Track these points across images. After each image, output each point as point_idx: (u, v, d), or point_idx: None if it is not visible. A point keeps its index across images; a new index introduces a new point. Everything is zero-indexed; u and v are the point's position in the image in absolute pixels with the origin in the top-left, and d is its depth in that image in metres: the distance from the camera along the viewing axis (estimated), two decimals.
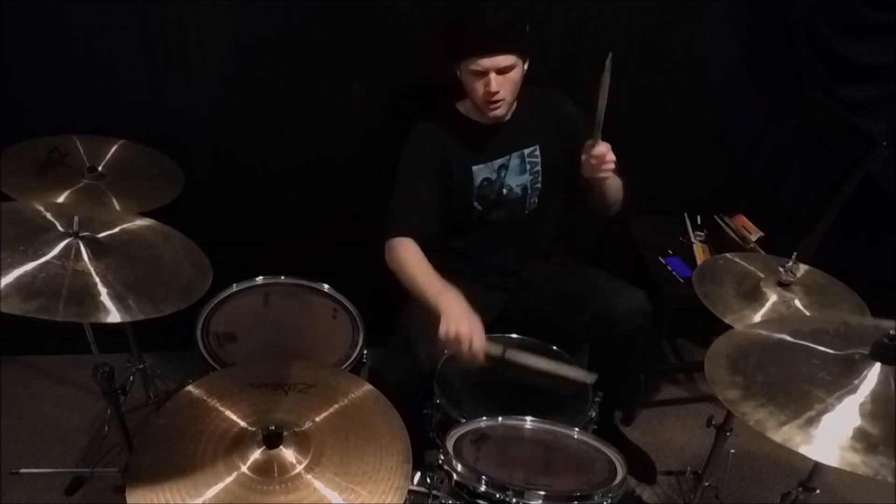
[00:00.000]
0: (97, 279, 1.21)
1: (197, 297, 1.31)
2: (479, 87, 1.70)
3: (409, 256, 1.68)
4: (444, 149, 1.83)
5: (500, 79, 1.68)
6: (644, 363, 2.15)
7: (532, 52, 1.74)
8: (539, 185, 1.90)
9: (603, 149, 1.64)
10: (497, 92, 1.69)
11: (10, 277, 1.14)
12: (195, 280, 1.34)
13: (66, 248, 1.24)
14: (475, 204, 1.88)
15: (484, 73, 1.67)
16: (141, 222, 1.44)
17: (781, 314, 1.50)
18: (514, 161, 1.86)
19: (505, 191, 1.88)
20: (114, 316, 1.17)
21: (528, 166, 1.88)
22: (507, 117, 1.84)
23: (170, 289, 1.28)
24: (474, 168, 1.84)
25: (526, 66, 1.75)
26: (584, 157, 1.68)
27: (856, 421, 1.02)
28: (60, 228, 1.29)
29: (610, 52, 1.49)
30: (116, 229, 1.38)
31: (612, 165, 1.67)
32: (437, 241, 1.99)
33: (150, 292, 1.25)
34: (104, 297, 1.19)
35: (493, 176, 1.87)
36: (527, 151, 1.87)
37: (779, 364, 1.15)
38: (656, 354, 2.46)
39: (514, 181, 1.88)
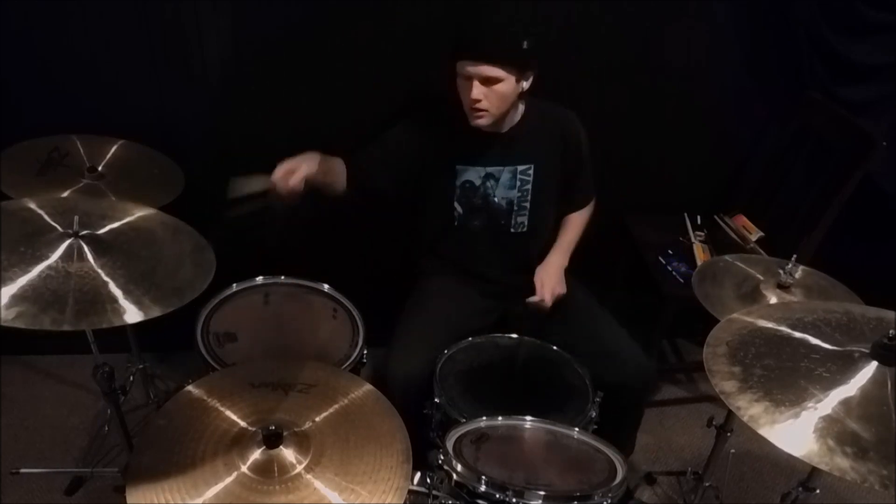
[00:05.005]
0: (107, 279, 1.20)
1: (190, 298, 1.28)
2: (465, 93, 1.69)
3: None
4: (433, 141, 1.83)
5: (485, 89, 1.65)
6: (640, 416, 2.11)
7: (533, 69, 1.70)
8: (527, 204, 1.89)
9: (547, 300, 1.84)
10: (479, 101, 1.66)
11: (13, 288, 1.12)
12: (193, 279, 1.31)
13: (68, 250, 1.23)
14: (456, 205, 1.88)
15: (470, 79, 1.65)
16: (146, 212, 1.43)
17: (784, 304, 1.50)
18: (505, 175, 1.85)
19: (489, 200, 1.87)
20: (131, 315, 1.15)
21: (518, 182, 1.86)
22: (503, 129, 1.82)
23: (160, 289, 1.25)
24: (458, 167, 1.84)
25: (526, 85, 1.72)
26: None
27: (849, 424, 1.01)
28: (60, 229, 1.28)
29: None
30: (118, 223, 1.37)
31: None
32: (427, 244, 2.00)
33: (139, 295, 1.22)
34: (121, 300, 1.18)
35: (478, 181, 1.85)
36: (520, 168, 1.85)
37: (778, 356, 1.14)
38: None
39: (501, 193, 1.87)
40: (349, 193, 1.84)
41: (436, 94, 1.81)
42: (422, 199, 1.93)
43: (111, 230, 1.34)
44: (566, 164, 1.90)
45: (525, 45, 1.65)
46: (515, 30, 1.67)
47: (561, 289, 1.87)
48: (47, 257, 1.21)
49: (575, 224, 2.03)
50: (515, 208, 1.89)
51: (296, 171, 1.62)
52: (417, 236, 2.04)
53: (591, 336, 1.87)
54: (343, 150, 2.11)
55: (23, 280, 1.15)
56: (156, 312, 1.19)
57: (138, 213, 1.43)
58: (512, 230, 1.91)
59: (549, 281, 1.86)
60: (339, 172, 1.82)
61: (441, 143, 1.83)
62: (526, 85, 1.72)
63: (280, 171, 1.62)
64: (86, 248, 1.24)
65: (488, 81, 1.65)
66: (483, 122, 1.72)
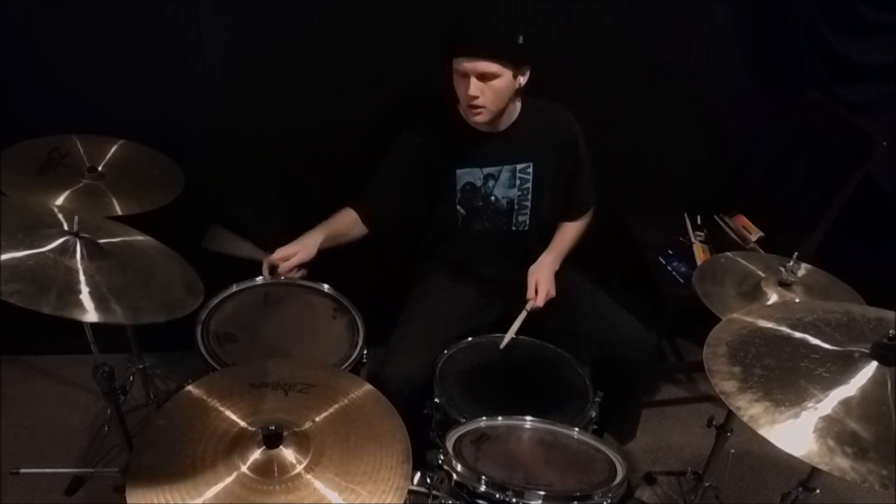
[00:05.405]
0: (83, 277, 1.22)
1: (180, 315, 1.29)
2: (462, 90, 1.68)
3: (334, 215, 1.87)
4: (431, 147, 1.82)
5: (482, 85, 1.64)
6: (644, 394, 2.12)
7: (529, 64, 1.71)
8: (528, 203, 1.89)
9: (540, 303, 1.84)
10: (476, 97, 1.66)
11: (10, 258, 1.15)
12: (183, 298, 1.34)
13: (63, 245, 1.25)
14: (458, 208, 1.88)
15: (466, 76, 1.65)
16: (144, 238, 1.47)
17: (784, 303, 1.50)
18: (505, 174, 1.85)
19: (491, 200, 1.87)
20: (91, 315, 1.16)
21: (517, 181, 1.86)
22: (500, 128, 1.82)
23: (153, 300, 1.28)
24: (458, 171, 1.84)
25: (522, 80, 1.72)
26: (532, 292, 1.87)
27: (849, 424, 1.00)
28: (64, 227, 1.30)
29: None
30: (118, 239, 1.39)
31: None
32: (427, 246, 2.00)
33: (134, 298, 1.24)
34: (84, 294, 1.19)
35: (478, 183, 1.85)
36: (519, 167, 1.85)
37: (778, 356, 1.14)
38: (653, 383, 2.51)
39: (501, 193, 1.87)
40: (372, 235, 1.89)
41: (431, 96, 1.81)
42: (423, 204, 1.93)
43: (108, 242, 1.35)
44: (565, 162, 1.90)
45: (520, 39, 1.66)
46: (510, 24, 1.68)
47: (553, 292, 1.88)
48: (42, 247, 1.23)
49: (570, 232, 2.03)
50: (516, 207, 1.88)
51: (291, 259, 1.72)
52: (418, 237, 2.04)
53: (590, 312, 1.90)
54: (343, 154, 2.13)
55: (16, 256, 1.17)
56: (143, 320, 1.21)
57: (135, 235, 1.47)
58: (514, 229, 1.91)
59: (543, 285, 1.87)
60: (350, 225, 1.85)
61: (439, 149, 1.83)
62: (523, 80, 1.72)
63: (277, 257, 1.72)
64: (80, 246, 1.26)
65: (485, 77, 1.64)
66: (481, 118, 1.72)
